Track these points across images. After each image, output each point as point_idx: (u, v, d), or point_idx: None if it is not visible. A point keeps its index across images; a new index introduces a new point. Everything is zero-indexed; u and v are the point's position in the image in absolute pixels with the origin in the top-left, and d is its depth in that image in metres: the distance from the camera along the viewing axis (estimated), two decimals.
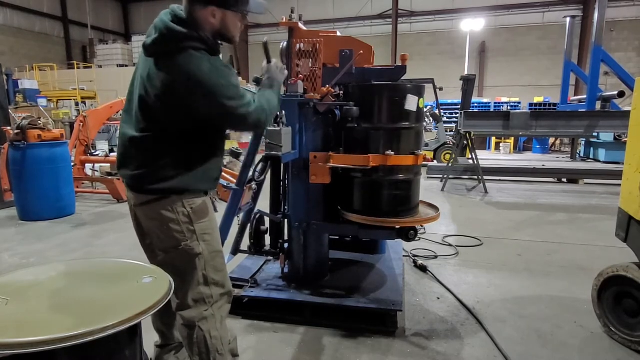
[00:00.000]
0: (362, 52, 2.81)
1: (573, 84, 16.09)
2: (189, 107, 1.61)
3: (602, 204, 6.53)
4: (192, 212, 1.75)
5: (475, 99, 15.28)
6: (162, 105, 1.63)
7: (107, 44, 22.44)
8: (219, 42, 1.74)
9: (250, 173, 2.92)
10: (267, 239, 3.13)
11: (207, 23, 1.66)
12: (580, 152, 12.20)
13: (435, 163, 10.22)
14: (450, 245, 4.48)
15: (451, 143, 10.32)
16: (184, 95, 1.58)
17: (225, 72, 1.63)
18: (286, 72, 2.01)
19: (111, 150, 9.66)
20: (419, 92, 2.72)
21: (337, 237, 3.62)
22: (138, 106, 1.69)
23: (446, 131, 11.24)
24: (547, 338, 2.64)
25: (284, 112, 2.41)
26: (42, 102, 14.31)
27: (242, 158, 3.01)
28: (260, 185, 3.04)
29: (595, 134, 9.59)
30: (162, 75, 1.59)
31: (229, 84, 1.62)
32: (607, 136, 10.67)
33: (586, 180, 8.40)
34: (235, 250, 3.13)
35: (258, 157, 2.86)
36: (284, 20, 2.82)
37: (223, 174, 2.46)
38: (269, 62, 1.97)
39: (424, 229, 4.83)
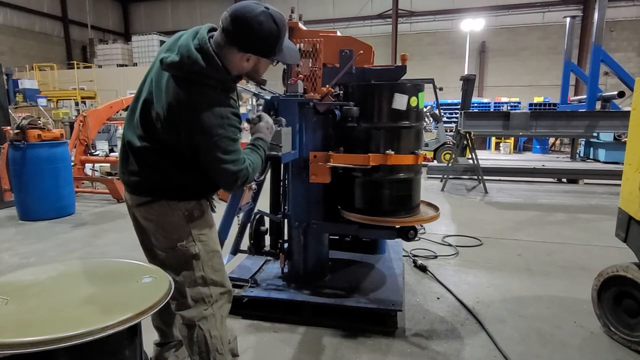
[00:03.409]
0: (362, 52, 2.81)
1: (573, 84, 16.08)
2: (185, 134, 1.59)
3: (602, 204, 6.52)
4: (188, 213, 1.75)
5: (475, 99, 15.27)
6: (162, 121, 1.61)
7: (107, 43, 22.44)
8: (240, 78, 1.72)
9: None
10: (267, 239, 3.13)
11: (238, 66, 1.64)
12: (580, 152, 12.18)
13: (435, 163, 10.22)
14: (450, 245, 4.48)
15: (451, 143, 10.31)
16: (185, 124, 1.57)
17: (231, 122, 1.60)
18: (274, 129, 1.97)
19: (111, 150, 9.66)
20: (410, 90, 2.66)
21: (337, 237, 3.62)
22: (140, 109, 1.68)
23: (446, 131, 11.23)
24: (547, 338, 2.65)
25: (283, 119, 2.40)
26: (42, 101, 14.31)
27: None
28: (260, 185, 3.04)
29: (595, 134, 9.58)
30: (173, 97, 1.56)
31: (229, 137, 1.59)
32: (607, 136, 10.65)
33: (586, 180, 8.39)
34: (235, 250, 3.13)
35: None
36: None
37: None
38: (258, 119, 1.89)
39: (424, 228, 4.83)
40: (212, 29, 1.67)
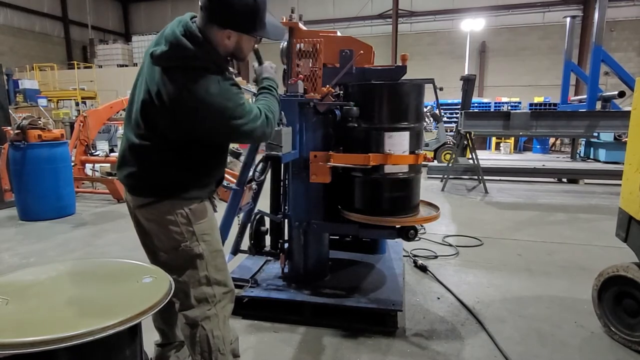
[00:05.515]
0: (362, 52, 2.82)
1: (573, 84, 16.09)
2: (194, 123, 1.59)
3: (602, 204, 6.52)
4: (191, 213, 1.75)
5: (475, 99, 15.27)
6: (166, 117, 1.60)
7: (107, 44, 22.44)
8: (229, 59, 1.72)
9: (250, 173, 2.92)
10: (267, 239, 3.13)
11: (222, 44, 1.64)
12: (580, 152, 12.17)
13: (435, 163, 10.22)
14: (450, 245, 4.47)
15: (451, 143, 10.31)
16: (190, 113, 1.56)
17: (232, 92, 1.60)
18: (279, 70, 2.00)
19: (111, 150, 9.65)
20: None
21: (337, 237, 3.62)
22: (139, 111, 1.67)
23: (446, 131, 11.23)
24: (547, 338, 2.64)
25: (282, 113, 2.41)
26: (42, 102, 14.31)
27: (242, 158, 3.01)
28: (260, 185, 3.04)
29: (595, 134, 9.57)
30: (169, 90, 1.56)
31: (235, 104, 1.59)
32: (607, 136, 10.64)
33: (586, 180, 8.39)
34: (236, 250, 3.13)
35: (258, 157, 2.86)
36: (284, 20, 2.82)
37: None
38: (260, 63, 1.93)
39: (424, 228, 4.83)
40: (194, 17, 1.69)
